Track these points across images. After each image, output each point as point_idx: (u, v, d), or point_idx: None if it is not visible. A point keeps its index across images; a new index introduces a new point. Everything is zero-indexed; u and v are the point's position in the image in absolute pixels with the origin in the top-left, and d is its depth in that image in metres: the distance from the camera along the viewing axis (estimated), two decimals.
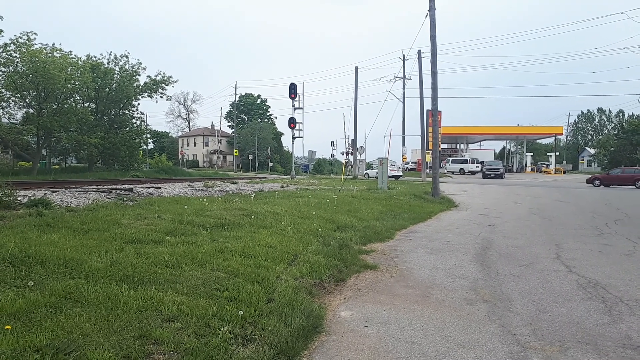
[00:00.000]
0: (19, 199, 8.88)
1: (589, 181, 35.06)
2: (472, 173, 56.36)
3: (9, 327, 3.21)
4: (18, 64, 28.89)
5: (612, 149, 72.23)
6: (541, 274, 6.68)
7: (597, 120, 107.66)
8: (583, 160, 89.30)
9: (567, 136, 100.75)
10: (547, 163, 71.26)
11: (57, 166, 37.88)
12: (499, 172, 46.43)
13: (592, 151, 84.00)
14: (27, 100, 30.76)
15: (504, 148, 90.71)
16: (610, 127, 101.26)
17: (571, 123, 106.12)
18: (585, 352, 3.96)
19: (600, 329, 4.51)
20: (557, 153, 78.01)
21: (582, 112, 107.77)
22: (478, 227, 11.62)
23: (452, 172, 56.07)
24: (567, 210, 16.16)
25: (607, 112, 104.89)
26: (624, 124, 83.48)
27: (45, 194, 10.87)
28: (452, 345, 4.07)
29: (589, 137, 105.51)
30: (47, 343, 3.07)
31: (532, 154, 77.56)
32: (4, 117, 30.93)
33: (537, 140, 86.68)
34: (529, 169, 69.14)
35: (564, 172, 65.07)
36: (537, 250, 8.58)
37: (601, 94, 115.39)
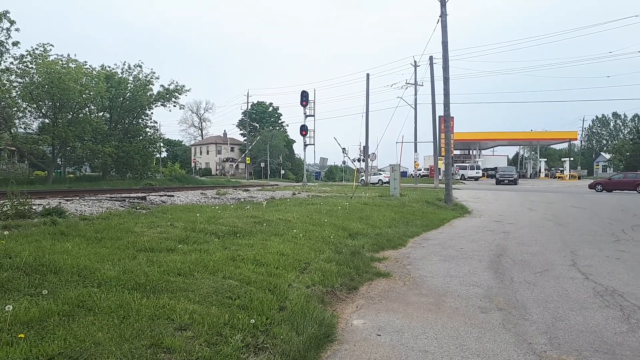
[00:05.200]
0: (34, 207, 8.98)
1: (591, 186, 35.04)
2: (475, 179, 56.14)
3: (22, 335, 3.23)
4: (34, 75, 29.36)
5: (627, 153, 71.20)
6: (557, 282, 6.57)
7: (612, 124, 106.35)
8: (598, 165, 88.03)
9: (581, 141, 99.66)
10: (561, 169, 70.49)
11: (71, 175, 38.33)
12: (512, 178, 46.05)
13: (608, 156, 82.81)
14: (42, 110, 31.23)
15: (517, 154, 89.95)
16: (626, 132, 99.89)
17: (586, 128, 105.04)
18: None
19: (618, 337, 4.41)
20: (572, 158, 77.11)
21: (597, 117, 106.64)
22: (492, 233, 11.50)
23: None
24: (582, 217, 15.93)
25: (623, 117, 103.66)
26: None
27: (59, 202, 10.98)
28: (466, 354, 4.01)
29: (604, 142, 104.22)
30: (60, 352, 3.08)
31: (545, 159, 76.78)
32: (20, 127, 31.42)
33: (551, 146, 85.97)
34: (542, 175, 68.41)
35: (579, 178, 64.24)
36: (552, 257, 8.46)
37: (616, 98, 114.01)
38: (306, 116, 35.86)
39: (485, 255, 8.56)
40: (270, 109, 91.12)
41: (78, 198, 13.65)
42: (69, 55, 31.54)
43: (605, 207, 19.53)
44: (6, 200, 8.47)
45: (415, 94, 43.74)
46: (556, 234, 11.44)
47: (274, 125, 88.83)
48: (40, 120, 32.67)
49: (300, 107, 35.66)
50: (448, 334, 4.49)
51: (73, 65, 30.92)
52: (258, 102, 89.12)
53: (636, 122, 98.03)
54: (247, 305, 4.45)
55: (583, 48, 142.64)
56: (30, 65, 29.06)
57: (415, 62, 44.03)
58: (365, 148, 47.57)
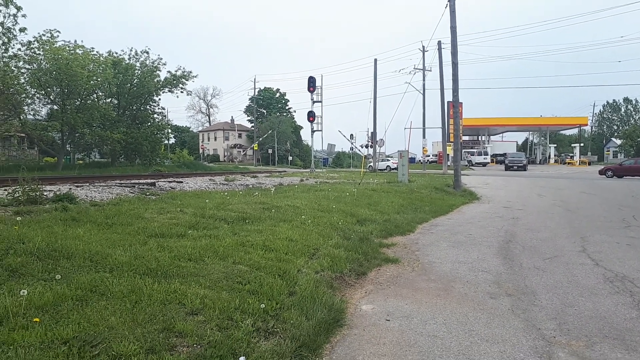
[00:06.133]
0: (45, 194, 9.05)
1: (601, 172, 34.73)
2: (484, 165, 55.82)
3: (37, 319, 3.29)
4: (42, 61, 29.40)
5: (638, 139, 70.45)
6: (566, 268, 6.56)
7: (623, 110, 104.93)
8: (609, 151, 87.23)
9: (592, 127, 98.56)
10: (571, 154, 69.90)
11: (81, 161, 38.58)
12: (521, 164, 45.80)
13: (619, 142, 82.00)
14: (51, 97, 31.34)
15: (526, 139, 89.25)
16: (637, 117, 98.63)
17: (596, 113, 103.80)
18: (613, 347, 3.87)
19: (628, 323, 4.40)
20: (582, 144, 76.39)
21: (608, 102, 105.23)
22: (501, 219, 11.47)
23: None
24: (592, 203, 15.83)
25: (634, 102, 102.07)
26: None
27: (70, 188, 11.06)
28: (475, 339, 4.02)
29: (615, 127, 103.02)
30: (74, 336, 3.13)
31: (555, 145, 76.14)
32: (29, 113, 31.60)
33: (561, 131, 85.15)
34: (552, 161, 67.93)
35: (589, 164, 63.73)
36: (561, 243, 8.43)
37: (628, 83, 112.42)
38: (313, 102, 35.75)
39: (494, 241, 8.54)
40: (278, 94, 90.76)
41: (88, 184, 13.74)
42: (75, 41, 31.55)
43: (616, 193, 19.38)
44: (18, 187, 8.54)
45: (424, 79, 43.49)
46: (565, 220, 11.39)
47: (281, 112, 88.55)
48: (49, 106, 32.86)
49: (307, 93, 35.56)
50: (457, 319, 4.51)
51: (80, 52, 30.92)
52: (265, 88, 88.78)
53: None
54: (257, 290, 4.49)
55: (594, 32, 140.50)
56: (38, 52, 29.10)
57: (423, 47, 43.71)
58: (373, 134, 47.44)
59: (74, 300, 3.73)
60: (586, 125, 79.18)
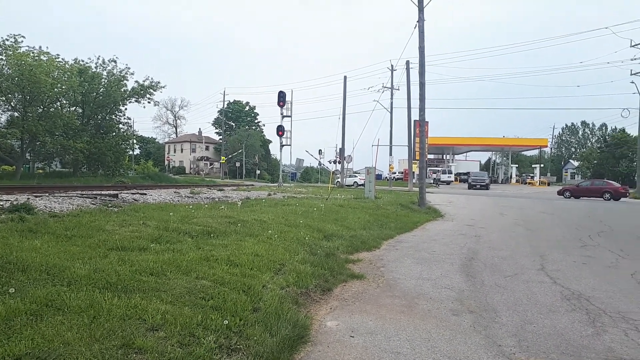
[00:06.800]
0: (1, 203, 8.73)
1: (559, 193, 36.14)
2: (448, 183, 57.30)
3: None
4: (4, 67, 28.58)
5: (595, 161, 73.32)
6: (526, 285, 6.72)
7: (580, 133, 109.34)
8: (567, 172, 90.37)
9: (551, 148, 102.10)
10: (532, 175, 72.14)
11: (41, 170, 37.42)
12: (484, 183, 46.87)
13: (576, 163, 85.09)
14: (12, 103, 30.45)
15: (489, 159, 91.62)
16: (594, 140, 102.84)
17: (556, 135, 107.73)
18: None
19: (584, 340, 4.54)
20: (542, 165, 79.03)
21: (567, 125, 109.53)
22: (464, 237, 11.68)
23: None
24: (551, 222, 16.33)
25: (591, 126, 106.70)
26: (607, 137, 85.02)
27: (28, 198, 10.70)
28: (437, 356, 4.06)
29: (573, 149, 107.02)
30: (27, 352, 3.01)
31: (517, 165, 78.49)
32: None
33: (523, 152, 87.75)
34: (514, 181, 69.90)
35: (548, 184, 65.83)
36: (522, 261, 8.64)
37: (585, 107, 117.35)
38: (283, 117, 35.78)
39: (457, 259, 8.69)
40: (247, 108, 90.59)
41: (48, 194, 13.31)
42: (40, 47, 30.88)
43: (573, 214, 20.06)
44: None
45: (392, 98, 44.24)
46: (526, 239, 11.70)
47: (250, 125, 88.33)
48: (9, 113, 31.88)
49: (277, 108, 35.61)
50: (420, 335, 4.55)
51: (45, 58, 30.23)
52: (234, 100, 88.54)
53: (604, 130, 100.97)
54: (221, 306, 4.42)
55: (556, 58, 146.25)
56: (0, 57, 28.26)
57: (392, 66, 44.52)
58: (342, 150, 47.81)
59: (28, 315, 3.58)
60: (546, 146, 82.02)
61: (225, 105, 79.78)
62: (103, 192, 15.50)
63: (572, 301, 5.93)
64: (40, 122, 29.21)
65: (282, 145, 36.84)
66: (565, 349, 4.29)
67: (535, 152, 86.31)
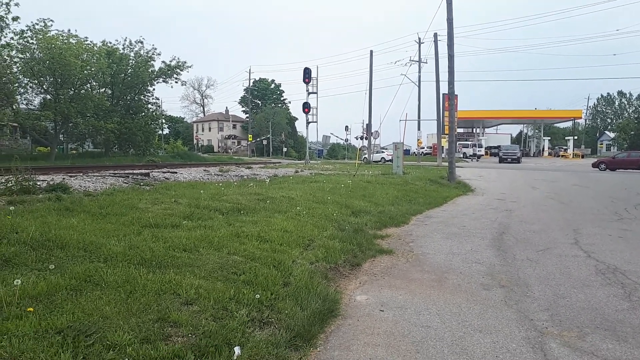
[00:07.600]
0: (38, 183, 8.99)
1: (594, 165, 35.05)
2: (478, 157, 56.08)
3: (31, 309, 3.27)
4: (35, 51, 29.15)
5: (632, 132, 70.86)
6: (559, 259, 6.61)
7: (617, 103, 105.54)
8: (602, 144, 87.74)
9: (586, 120, 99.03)
10: (565, 147, 70.24)
11: (74, 151, 38.39)
12: (515, 157, 45.97)
13: (612, 135, 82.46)
14: (44, 86, 31.12)
15: (521, 132, 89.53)
16: (631, 111, 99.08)
17: (590, 106, 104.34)
18: (604, 337, 3.91)
19: (619, 314, 4.45)
20: (576, 137, 76.73)
21: (602, 96, 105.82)
22: (494, 211, 11.52)
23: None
24: (585, 195, 15.93)
25: (628, 95, 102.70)
26: None
27: (63, 178, 11.01)
28: (468, 330, 4.05)
29: (609, 120, 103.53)
30: (69, 325, 3.12)
31: (549, 138, 76.44)
32: (22, 103, 31.40)
33: (555, 124, 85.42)
34: (546, 154, 68.25)
35: (583, 157, 64.09)
36: (554, 235, 8.48)
37: (622, 77, 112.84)
38: (309, 93, 35.65)
39: (487, 233, 8.59)
40: (273, 85, 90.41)
41: (81, 174, 13.68)
42: (69, 30, 31.30)
43: (608, 186, 19.51)
44: (11, 176, 8.49)
45: (419, 72, 43.36)
46: (559, 213, 11.46)
47: (276, 103, 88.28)
48: (42, 96, 32.64)
49: (303, 85, 35.44)
50: (450, 310, 4.54)
51: (74, 41, 30.68)
52: (260, 78, 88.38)
53: None
54: (252, 281, 4.50)
55: (590, 26, 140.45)
56: (31, 41, 28.87)
57: (419, 39, 43.52)
58: (368, 126, 47.38)
59: (68, 290, 3.71)
60: (580, 118, 79.53)
61: (251, 84, 79.86)
62: (135, 171, 15.85)
63: (607, 275, 5.80)
64: (71, 104, 29.85)
65: (308, 122, 36.82)
66: (600, 324, 4.22)
67: (569, 124, 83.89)
